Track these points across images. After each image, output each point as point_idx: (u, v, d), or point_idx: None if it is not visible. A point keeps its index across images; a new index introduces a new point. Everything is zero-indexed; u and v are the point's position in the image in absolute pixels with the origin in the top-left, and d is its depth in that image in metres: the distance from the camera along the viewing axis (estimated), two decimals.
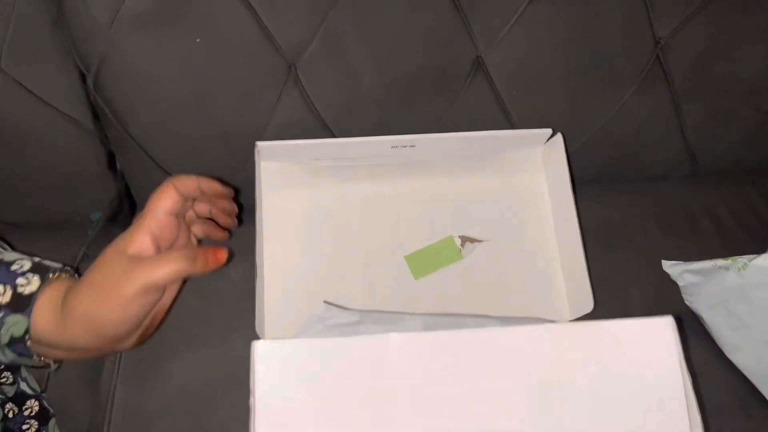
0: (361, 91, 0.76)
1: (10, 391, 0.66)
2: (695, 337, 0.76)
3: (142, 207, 0.86)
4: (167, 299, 0.58)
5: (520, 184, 0.80)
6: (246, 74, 0.73)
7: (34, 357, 0.53)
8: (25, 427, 0.66)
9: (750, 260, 0.70)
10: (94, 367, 0.75)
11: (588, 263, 0.72)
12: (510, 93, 0.79)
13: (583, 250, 0.72)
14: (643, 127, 0.85)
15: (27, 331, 0.51)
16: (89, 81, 0.74)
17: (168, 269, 0.50)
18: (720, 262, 0.73)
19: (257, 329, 0.68)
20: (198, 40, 0.71)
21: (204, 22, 0.70)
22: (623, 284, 0.81)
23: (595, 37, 0.77)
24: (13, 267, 0.53)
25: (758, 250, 0.72)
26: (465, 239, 0.77)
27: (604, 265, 0.82)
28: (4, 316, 0.51)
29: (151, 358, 0.74)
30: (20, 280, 0.52)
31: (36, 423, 0.67)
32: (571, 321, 0.73)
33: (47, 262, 0.55)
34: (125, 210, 0.86)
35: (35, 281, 0.52)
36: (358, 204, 0.77)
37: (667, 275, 0.79)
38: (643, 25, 0.78)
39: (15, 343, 0.51)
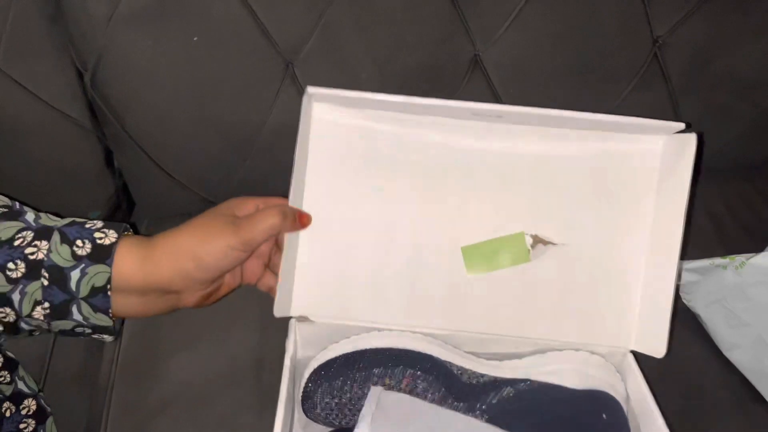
0: (358, 88, 0.75)
1: (8, 390, 0.66)
2: (693, 335, 0.77)
3: (140, 205, 0.87)
4: (235, 280, 0.62)
5: (623, 183, 0.65)
6: (243, 72, 0.73)
7: (110, 310, 0.53)
8: (22, 426, 0.65)
9: (748, 259, 0.70)
10: (91, 365, 0.75)
11: (676, 302, 0.62)
12: (507, 91, 0.79)
13: (675, 283, 0.61)
14: None
15: (109, 281, 0.52)
16: (86, 78, 0.74)
17: (266, 224, 0.57)
18: (717, 260, 0.73)
19: (276, 309, 0.62)
20: (195, 38, 0.71)
21: (201, 20, 0.70)
22: None
23: (592, 35, 0.77)
24: (87, 225, 0.54)
25: (755, 248, 0.72)
26: (537, 240, 0.66)
27: None
28: (85, 267, 0.52)
29: (148, 356, 0.74)
30: (97, 234, 0.54)
31: (33, 422, 0.67)
32: None
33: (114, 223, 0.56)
34: (123, 208, 0.86)
35: (112, 234, 0.54)
36: (419, 162, 0.65)
37: None
38: (641, 23, 0.78)
39: (95, 294, 0.52)
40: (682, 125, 0.60)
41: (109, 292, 0.52)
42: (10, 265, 0.51)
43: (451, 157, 0.65)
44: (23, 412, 0.66)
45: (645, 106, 0.83)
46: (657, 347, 0.62)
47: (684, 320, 0.77)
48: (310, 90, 0.59)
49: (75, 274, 0.52)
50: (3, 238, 0.52)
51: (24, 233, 0.52)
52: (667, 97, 0.83)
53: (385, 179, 0.66)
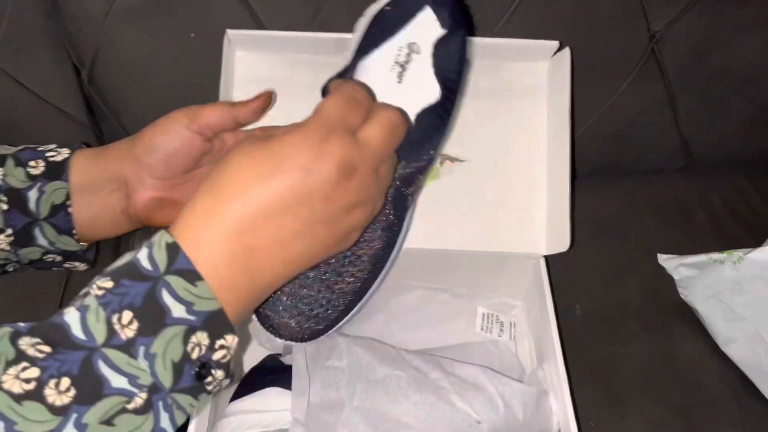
0: None
1: None
2: (690, 330, 0.77)
3: None
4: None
5: (517, 102, 0.69)
6: None
7: (74, 230, 0.53)
8: None
9: (745, 253, 0.70)
10: None
11: (573, 200, 0.65)
12: None
13: (569, 185, 0.65)
14: (638, 119, 0.85)
15: (68, 197, 0.52)
16: (83, 74, 0.73)
17: (216, 106, 0.54)
18: (715, 255, 0.73)
19: None
20: (192, 34, 0.71)
21: (198, 15, 0.69)
22: (618, 277, 0.81)
23: (589, 30, 0.77)
24: (40, 148, 0.54)
25: (752, 242, 0.72)
26: (445, 158, 0.69)
27: (599, 257, 0.82)
28: (42, 185, 0.52)
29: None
30: (49, 153, 0.53)
31: None
32: None
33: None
34: None
35: (65, 151, 0.54)
36: None
37: (662, 267, 0.79)
38: (637, 19, 0.78)
39: (55, 213, 0.52)
40: (556, 44, 0.65)
41: (69, 209, 0.52)
42: None
43: None
44: None
45: (642, 101, 0.83)
46: (562, 243, 0.65)
47: (681, 315, 0.77)
48: (230, 34, 0.62)
49: (33, 194, 0.51)
50: None
51: None
52: (664, 92, 0.83)
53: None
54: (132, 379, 0.36)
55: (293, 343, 0.63)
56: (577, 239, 0.65)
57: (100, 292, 0.38)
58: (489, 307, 0.74)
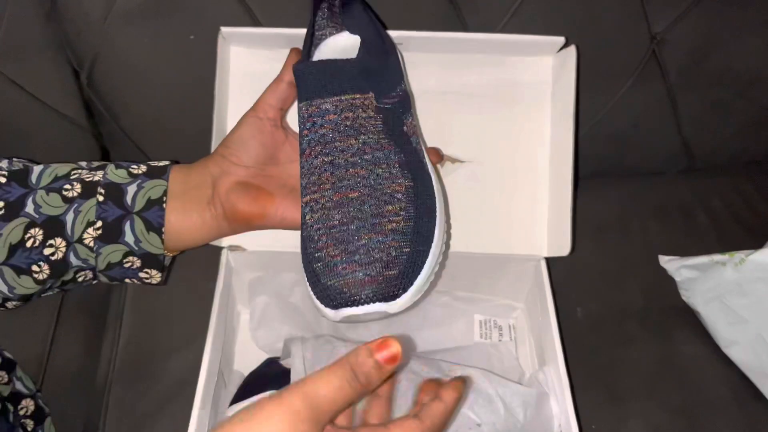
0: None
1: (6, 391, 0.66)
2: (692, 332, 0.76)
3: None
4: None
5: (520, 102, 0.68)
6: None
7: (163, 229, 0.53)
8: (21, 426, 0.65)
9: (747, 255, 0.70)
10: (88, 366, 0.75)
11: (575, 203, 0.65)
12: None
13: (572, 188, 0.64)
14: (639, 121, 0.85)
15: (165, 194, 0.54)
16: (82, 77, 0.73)
17: (274, 85, 0.59)
18: (717, 257, 0.73)
19: None
20: (192, 36, 0.71)
21: (198, 18, 0.69)
22: (619, 278, 0.81)
23: (590, 31, 0.77)
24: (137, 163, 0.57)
25: (754, 244, 0.72)
26: (447, 159, 0.68)
27: (601, 259, 0.82)
28: (142, 182, 0.54)
29: (146, 356, 0.74)
30: (151, 162, 0.57)
31: (32, 422, 0.66)
32: None
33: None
34: None
35: (165, 162, 0.57)
36: None
37: (663, 269, 0.79)
38: (638, 20, 0.78)
39: (150, 207, 0.53)
40: (562, 40, 0.64)
41: (164, 205, 0.53)
42: (67, 186, 0.53)
43: None
44: (21, 413, 0.66)
45: (643, 103, 0.83)
46: (563, 247, 0.65)
47: (683, 317, 0.77)
48: (225, 31, 0.62)
49: (131, 188, 0.53)
50: (60, 174, 0.54)
51: (79, 170, 0.54)
52: (665, 94, 0.83)
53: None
54: None
55: (291, 349, 0.62)
56: (578, 241, 0.65)
57: None
58: (489, 309, 0.74)
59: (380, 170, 0.53)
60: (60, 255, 0.52)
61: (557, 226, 0.67)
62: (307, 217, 0.52)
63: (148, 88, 0.74)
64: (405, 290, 0.50)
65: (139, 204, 0.53)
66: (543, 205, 0.68)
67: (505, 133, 0.68)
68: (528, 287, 0.72)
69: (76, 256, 0.53)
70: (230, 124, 0.66)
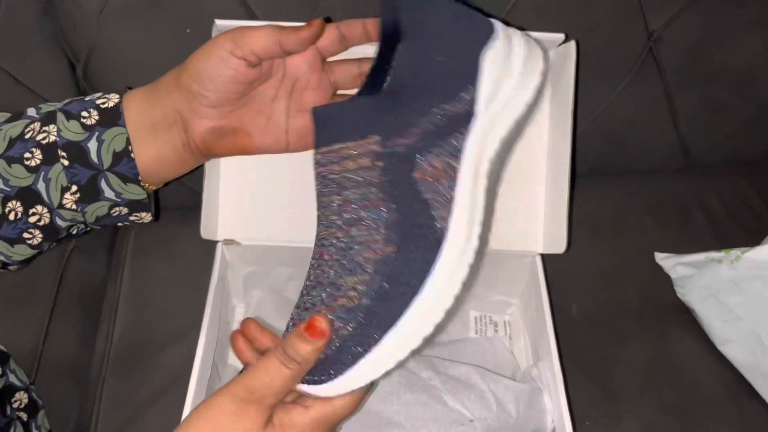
0: None
1: None
2: (687, 330, 0.76)
3: None
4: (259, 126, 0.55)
5: None
6: None
7: (140, 176, 0.52)
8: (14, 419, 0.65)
9: (743, 252, 0.70)
10: (82, 358, 0.75)
11: (572, 201, 0.64)
12: None
13: (568, 185, 0.64)
14: (636, 119, 0.85)
15: (128, 142, 0.51)
16: (79, 70, 0.73)
17: (264, 29, 0.50)
18: (713, 254, 0.73)
19: (203, 231, 0.63)
20: (188, 30, 0.71)
21: (194, 11, 0.69)
22: (615, 275, 0.81)
23: (587, 29, 0.76)
24: (87, 98, 0.53)
25: (750, 242, 0.72)
26: None
27: (596, 257, 0.82)
28: (100, 134, 0.51)
29: (139, 349, 0.74)
30: (100, 101, 0.52)
31: (25, 415, 0.66)
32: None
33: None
34: None
35: (114, 96, 0.53)
36: None
37: (659, 267, 0.79)
38: (635, 18, 0.78)
39: (118, 161, 0.51)
40: (562, 36, 0.62)
41: (132, 155, 0.51)
42: (27, 155, 0.51)
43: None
44: (15, 405, 0.66)
45: (639, 101, 0.83)
46: (558, 245, 0.65)
47: (678, 314, 0.77)
48: (219, 24, 0.60)
49: (92, 145, 0.51)
50: (13, 136, 0.51)
51: (32, 125, 0.52)
52: (662, 92, 0.83)
53: None
54: None
55: None
56: (574, 238, 0.65)
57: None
58: (484, 305, 0.74)
59: (356, 232, 0.47)
60: (46, 220, 0.52)
61: (553, 223, 0.67)
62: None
63: (144, 82, 0.73)
64: (330, 378, 0.45)
65: (107, 161, 0.51)
66: (539, 201, 0.68)
67: None
68: (523, 284, 0.72)
69: (62, 218, 0.53)
70: None
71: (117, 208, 0.53)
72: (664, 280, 0.79)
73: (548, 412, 0.61)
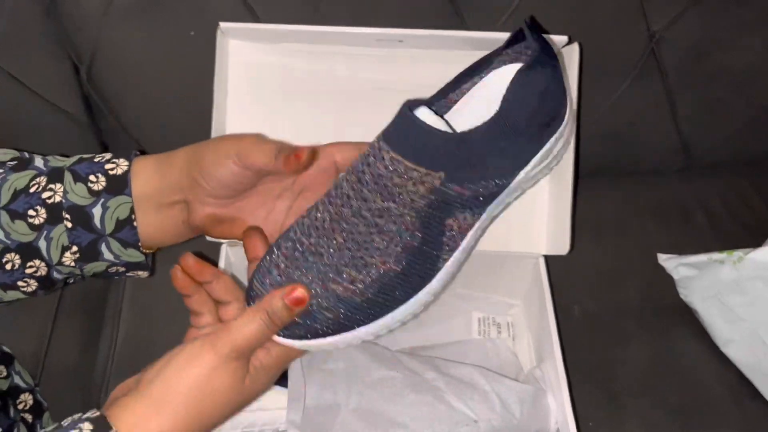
0: None
1: (4, 385, 0.66)
2: (689, 330, 0.77)
3: None
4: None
5: None
6: None
7: (140, 243, 0.53)
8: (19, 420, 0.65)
9: (746, 253, 0.70)
10: (86, 361, 0.75)
11: (575, 202, 0.65)
12: None
13: (572, 187, 0.64)
14: (637, 120, 0.85)
15: (132, 211, 0.52)
16: (82, 72, 0.73)
17: (264, 144, 0.52)
18: (715, 255, 0.73)
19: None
20: (192, 32, 0.71)
21: (197, 12, 0.69)
22: (617, 276, 0.81)
23: (588, 29, 0.76)
24: (96, 159, 0.54)
25: (752, 243, 0.72)
26: None
27: (599, 257, 0.82)
28: (105, 201, 0.52)
29: (143, 352, 0.74)
30: (108, 166, 0.53)
31: (30, 416, 0.67)
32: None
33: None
34: None
35: (123, 163, 0.53)
36: (332, 93, 0.68)
37: (661, 268, 0.79)
38: (637, 18, 0.78)
39: (120, 228, 0.52)
40: (565, 38, 0.62)
41: (135, 223, 0.52)
42: (31, 212, 0.51)
43: (357, 86, 0.67)
44: (20, 407, 0.66)
45: (641, 101, 0.83)
46: (562, 246, 0.65)
47: (680, 315, 0.77)
48: (224, 26, 0.60)
49: (97, 211, 0.52)
50: (19, 188, 0.52)
51: (38, 179, 0.52)
52: (664, 92, 0.83)
53: (299, 112, 0.67)
54: None
55: None
56: (576, 239, 0.65)
57: None
58: (488, 306, 0.74)
59: (378, 239, 0.50)
60: (43, 273, 0.53)
61: (557, 225, 0.67)
62: (299, 220, 0.52)
63: (147, 84, 0.74)
64: (306, 339, 0.50)
65: (109, 227, 0.52)
66: (543, 202, 0.68)
67: None
68: (526, 285, 0.72)
69: (59, 273, 0.53)
70: (229, 119, 0.66)
71: (115, 267, 0.55)
72: (666, 281, 0.79)
73: (552, 413, 0.62)
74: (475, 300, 0.74)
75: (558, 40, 0.63)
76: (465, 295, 0.73)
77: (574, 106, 0.61)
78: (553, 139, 0.55)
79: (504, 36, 0.64)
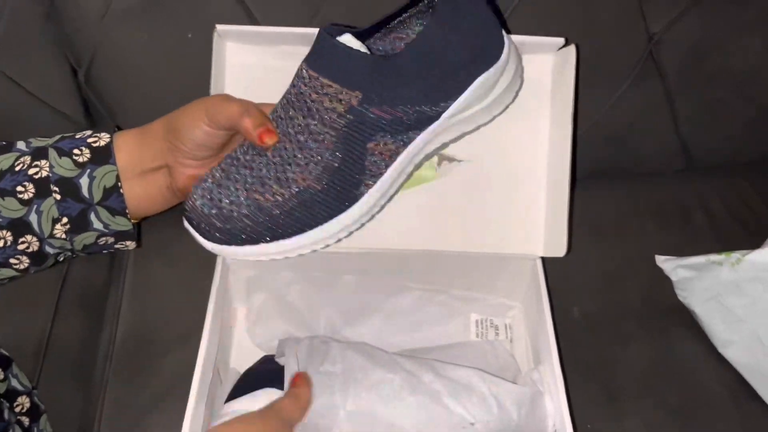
0: None
1: (1, 388, 0.66)
2: (688, 332, 0.76)
3: None
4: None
5: (519, 98, 0.66)
6: None
7: (127, 210, 0.55)
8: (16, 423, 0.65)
9: (744, 255, 0.70)
10: (85, 362, 0.75)
11: (572, 204, 0.65)
12: None
13: (569, 189, 0.64)
14: (637, 121, 0.85)
15: (118, 179, 0.54)
16: (81, 75, 0.74)
17: (231, 107, 0.55)
18: (713, 257, 0.73)
19: None
20: (190, 35, 0.71)
21: (196, 16, 0.70)
22: (616, 278, 0.81)
23: (588, 32, 0.77)
24: (78, 135, 0.56)
25: (751, 244, 0.72)
26: (443, 157, 0.67)
27: (598, 259, 0.82)
28: (91, 171, 0.54)
29: (142, 352, 0.74)
30: (91, 139, 0.55)
31: (27, 419, 0.67)
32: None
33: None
34: None
35: (105, 136, 0.56)
36: None
37: (660, 269, 0.79)
38: (636, 20, 0.78)
39: (108, 196, 0.54)
40: (562, 40, 0.63)
41: (121, 190, 0.54)
42: (19, 188, 0.53)
43: None
44: (17, 410, 0.66)
45: (640, 103, 0.83)
46: (559, 248, 0.65)
47: (679, 317, 0.77)
48: (220, 29, 0.62)
49: (84, 181, 0.53)
50: (4, 168, 0.53)
51: (22, 159, 0.54)
52: (663, 94, 0.83)
53: None
54: None
55: (285, 351, 0.62)
56: (575, 241, 0.65)
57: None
58: (486, 308, 0.74)
59: (300, 155, 0.54)
60: (35, 248, 0.54)
61: (554, 227, 0.67)
62: (243, 141, 0.56)
63: (145, 86, 0.74)
64: (220, 243, 0.55)
65: (97, 195, 0.54)
66: (540, 204, 0.68)
67: (503, 133, 0.67)
68: (524, 286, 0.72)
69: (51, 246, 0.55)
70: None
71: (104, 238, 0.56)
72: (665, 283, 0.79)
73: (550, 416, 0.62)
74: (473, 302, 0.74)
75: (554, 42, 0.63)
76: (463, 296, 0.73)
77: (519, 56, 0.62)
78: (482, 78, 0.56)
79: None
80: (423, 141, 0.57)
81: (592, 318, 0.78)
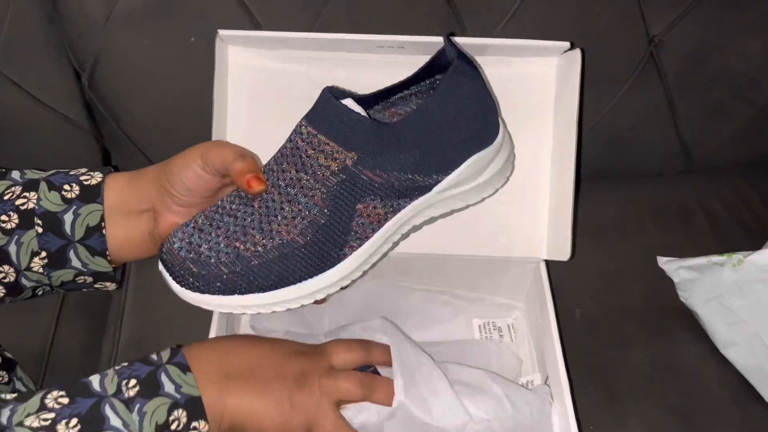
0: None
1: (5, 391, 0.66)
2: (690, 333, 0.77)
3: None
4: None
5: (523, 102, 0.67)
6: None
7: (107, 251, 0.54)
8: None
9: (745, 256, 0.70)
10: (88, 366, 0.75)
11: (576, 207, 0.66)
12: None
13: (573, 192, 0.65)
14: (638, 123, 0.85)
15: (102, 219, 0.54)
16: (84, 79, 0.74)
17: (223, 151, 0.54)
18: (715, 258, 0.73)
19: None
20: (192, 39, 0.71)
21: (198, 20, 0.70)
22: (618, 279, 0.81)
23: (588, 34, 0.77)
24: (72, 172, 0.56)
25: (752, 245, 0.72)
26: None
27: (599, 260, 0.82)
28: (77, 208, 0.53)
29: (146, 353, 0.73)
30: (83, 177, 0.55)
31: None
32: None
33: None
34: None
35: (98, 175, 0.55)
36: None
37: (662, 271, 0.79)
38: (636, 22, 0.78)
39: (90, 235, 0.53)
40: (567, 44, 0.63)
41: (104, 231, 0.54)
42: (3, 217, 0.52)
43: (358, 92, 0.66)
44: None
45: (641, 105, 0.83)
46: (563, 252, 0.65)
47: (681, 318, 0.77)
48: (222, 33, 0.62)
49: (68, 217, 0.53)
50: None
51: (13, 188, 0.53)
52: (663, 96, 0.83)
53: (300, 119, 0.67)
54: (125, 424, 0.45)
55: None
56: (577, 243, 0.65)
57: (117, 367, 0.50)
58: (489, 309, 0.74)
59: (288, 207, 0.54)
60: (12, 279, 0.54)
61: (558, 230, 0.67)
62: (231, 191, 0.56)
63: (148, 90, 0.74)
64: (195, 291, 0.54)
65: (79, 233, 0.53)
66: (543, 207, 0.69)
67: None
68: (527, 288, 0.73)
69: (28, 279, 0.54)
70: (229, 125, 0.67)
71: (82, 277, 0.56)
72: (666, 284, 0.79)
73: (554, 416, 0.62)
74: (477, 303, 0.74)
75: (559, 46, 0.63)
76: (466, 298, 0.73)
77: (512, 144, 0.64)
78: (476, 156, 0.58)
79: (504, 41, 0.65)
80: (412, 211, 0.57)
81: (593, 319, 0.78)
